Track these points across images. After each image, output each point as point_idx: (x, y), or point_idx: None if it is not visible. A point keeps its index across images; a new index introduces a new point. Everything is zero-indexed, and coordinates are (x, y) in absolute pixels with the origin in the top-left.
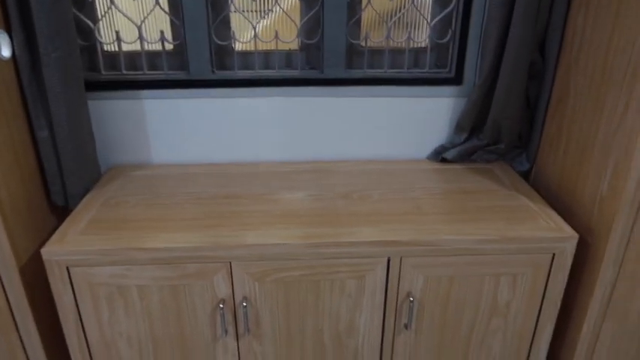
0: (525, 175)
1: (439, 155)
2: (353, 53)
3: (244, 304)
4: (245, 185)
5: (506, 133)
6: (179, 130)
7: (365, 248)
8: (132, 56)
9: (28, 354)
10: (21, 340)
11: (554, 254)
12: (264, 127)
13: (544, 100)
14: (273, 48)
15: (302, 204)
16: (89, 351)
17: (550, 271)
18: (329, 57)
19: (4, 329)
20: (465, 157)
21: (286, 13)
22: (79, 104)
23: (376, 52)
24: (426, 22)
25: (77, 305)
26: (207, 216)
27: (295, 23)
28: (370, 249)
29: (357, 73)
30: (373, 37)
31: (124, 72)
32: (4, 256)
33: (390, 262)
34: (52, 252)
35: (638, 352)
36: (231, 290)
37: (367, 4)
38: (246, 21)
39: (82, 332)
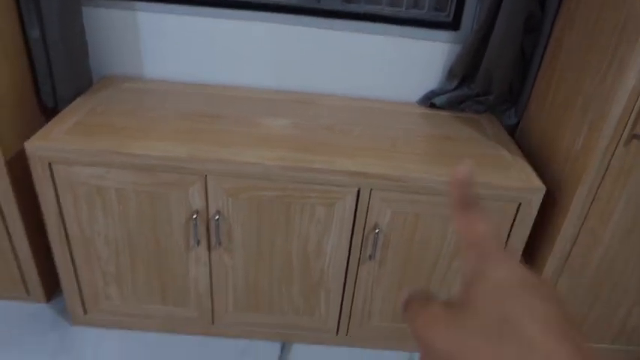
0: (512, 130)
1: (428, 100)
2: None
3: (217, 217)
4: (230, 107)
5: (497, 84)
6: (172, 47)
7: (336, 177)
8: None
9: (13, 242)
10: (6, 229)
11: (520, 204)
12: (255, 52)
13: (538, 55)
14: None
15: (283, 130)
16: (69, 245)
17: (514, 220)
18: None
19: None
20: (454, 105)
21: None
22: (73, 7)
23: None
24: None
25: (59, 202)
26: (189, 131)
27: None
28: (341, 178)
29: (354, 7)
30: None
31: None
32: None
33: (360, 193)
34: (35, 147)
35: (590, 307)
36: (205, 203)
37: None
38: None
39: (62, 228)
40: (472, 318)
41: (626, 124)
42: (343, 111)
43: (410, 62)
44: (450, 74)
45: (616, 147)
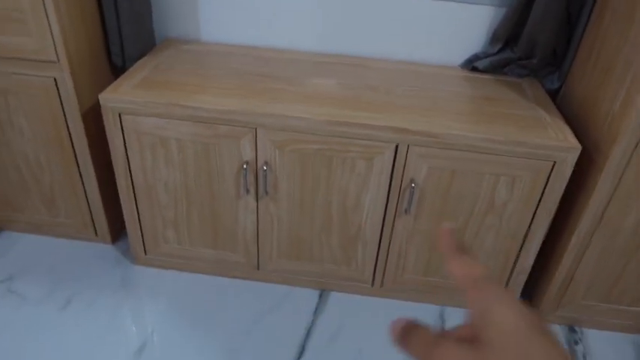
0: (554, 94)
1: (471, 64)
2: None
3: (265, 167)
4: (282, 69)
5: (541, 48)
6: (227, 13)
7: (376, 132)
8: None
9: (86, 187)
10: (80, 175)
11: (554, 162)
12: (306, 16)
13: (584, 18)
14: None
15: (330, 89)
16: (134, 191)
17: (549, 178)
18: None
19: (68, 163)
20: (497, 69)
21: None
22: None
23: None
24: None
25: (126, 150)
26: (242, 88)
27: None
28: (380, 133)
29: None
30: None
31: None
32: (69, 102)
33: (398, 149)
34: (107, 99)
35: (623, 268)
36: (254, 154)
37: None
38: None
39: (129, 174)
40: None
41: None
42: (388, 73)
43: (455, 25)
44: (494, 38)
45: None
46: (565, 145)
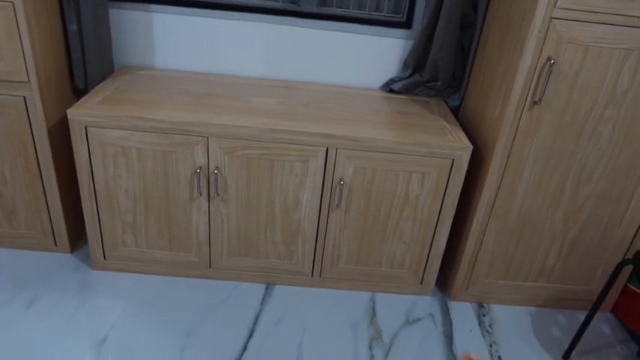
0: (457, 110)
1: (388, 86)
2: None
3: (216, 171)
4: (226, 89)
5: (443, 73)
6: (178, 42)
7: (309, 138)
8: None
9: (48, 199)
10: (43, 187)
11: (453, 160)
12: (247, 47)
13: (474, 47)
14: None
15: (269, 106)
16: (96, 198)
17: (450, 173)
18: None
19: (32, 176)
20: (409, 90)
21: None
22: (102, 8)
23: None
24: None
25: (90, 160)
26: (194, 104)
27: None
28: (313, 139)
29: (327, 10)
30: None
31: None
32: (37, 119)
33: (328, 152)
34: (75, 113)
35: (515, 248)
36: (206, 160)
37: None
38: None
39: (92, 182)
40: None
41: (527, 93)
42: (319, 93)
43: (373, 55)
44: (405, 64)
45: (522, 112)
46: (460, 145)
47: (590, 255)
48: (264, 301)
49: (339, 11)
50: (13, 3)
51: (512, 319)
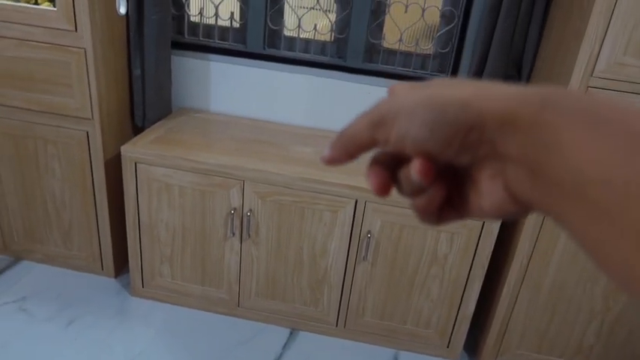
0: None
1: None
2: (373, 50)
3: (249, 214)
4: (269, 136)
5: None
6: (232, 89)
7: (339, 189)
8: (208, 28)
9: (99, 225)
10: (96, 214)
11: (484, 222)
12: (294, 97)
13: None
14: (311, 37)
15: (307, 155)
16: (139, 228)
17: (480, 235)
18: (352, 50)
19: (87, 203)
20: None
21: (324, 12)
22: (165, 56)
23: (391, 52)
24: (432, 34)
25: (137, 193)
26: (236, 149)
27: (330, 20)
28: (342, 190)
29: (373, 66)
30: (389, 40)
31: (201, 38)
32: (96, 152)
33: (357, 204)
34: (127, 150)
35: (549, 322)
36: (241, 202)
37: (387, 12)
38: (294, 13)
39: (137, 214)
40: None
41: None
42: None
43: None
44: None
45: None
46: None
47: (634, 340)
48: (286, 345)
49: (384, 68)
50: (85, 49)
51: None
